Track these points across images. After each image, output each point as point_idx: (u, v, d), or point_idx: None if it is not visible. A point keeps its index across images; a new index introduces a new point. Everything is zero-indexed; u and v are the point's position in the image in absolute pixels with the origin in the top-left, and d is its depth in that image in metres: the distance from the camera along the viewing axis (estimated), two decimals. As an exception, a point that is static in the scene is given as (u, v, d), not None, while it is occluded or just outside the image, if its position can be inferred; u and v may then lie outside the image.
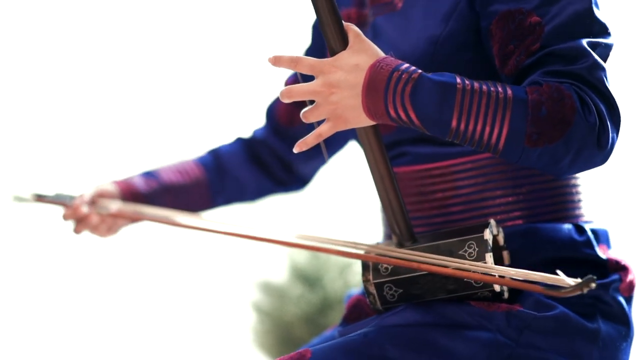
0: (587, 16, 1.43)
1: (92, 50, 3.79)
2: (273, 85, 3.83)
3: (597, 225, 1.57)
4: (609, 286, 1.51)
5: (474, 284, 1.43)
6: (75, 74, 3.79)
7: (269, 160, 1.90)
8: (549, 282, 1.34)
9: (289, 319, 3.62)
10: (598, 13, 1.44)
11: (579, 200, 1.57)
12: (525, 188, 1.54)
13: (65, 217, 1.81)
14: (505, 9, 1.45)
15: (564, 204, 1.56)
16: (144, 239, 3.62)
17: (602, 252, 1.53)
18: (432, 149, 1.56)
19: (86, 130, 3.80)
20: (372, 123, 1.41)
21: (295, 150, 1.41)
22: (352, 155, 1.91)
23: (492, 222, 1.46)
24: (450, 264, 1.41)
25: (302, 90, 1.40)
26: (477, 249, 1.42)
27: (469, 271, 1.40)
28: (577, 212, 1.57)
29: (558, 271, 1.33)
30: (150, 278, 3.85)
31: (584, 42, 1.41)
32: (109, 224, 1.82)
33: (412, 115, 1.38)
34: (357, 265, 3.73)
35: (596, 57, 1.40)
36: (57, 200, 1.83)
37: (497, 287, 1.43)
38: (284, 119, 1.87)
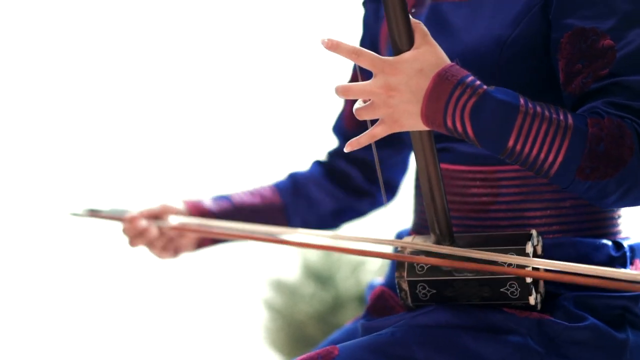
0: None
1: (92, 51, 3.78)
2: (272, 86, 3.83)
3: (633, 240, 1.57)
4: (638, 297, 1.51)
5: (510, 295, 1.43)
6: (75, 74, 3.78)
7: (348, 172, 1.87)
8: (629, 279, 1.33)
9: (301, 317, 3.61)
10: None
11: (619, 217, 1.58)
12: (568, 202, 1.54)
13: (125, 231, 1.77)
14: (580, 26, 1.44)
15: (604, 220, 1.56)
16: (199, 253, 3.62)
17: (633, 269, 1.54)
18: (477, 149, 1.54)
19: (89, 132, 3.80)
20: (426, 129, 1.39)
21: (347, 149, 1.40)
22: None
23: (534, 232, 1.46)
24: (501, 260, 1.40)
25: (359, 89, 1.38)
26: (517, 256, 1.41)
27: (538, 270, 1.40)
28: (616, 228, 1.57)
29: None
30: (162, 275, 3.84)
31: None
32: (168, 242, 1.78)
33: (469, 130, 1.36)
34: (370, 263, 3.73)
35: None
36: (112, 215, 1.79)
37: (532, 301, 1.43)
38: (354, 126, 1.83)
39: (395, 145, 1.83)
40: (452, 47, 1.45)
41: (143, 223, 1.75)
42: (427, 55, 1.36)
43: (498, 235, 1.47)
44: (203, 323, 3.88)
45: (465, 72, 1.37)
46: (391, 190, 1.90)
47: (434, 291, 1.46)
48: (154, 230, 1.75)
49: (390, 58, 1.37)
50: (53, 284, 3.73)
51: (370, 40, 1.77)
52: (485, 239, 1.46)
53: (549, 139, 1.36)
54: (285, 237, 1.65)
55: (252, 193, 1.85)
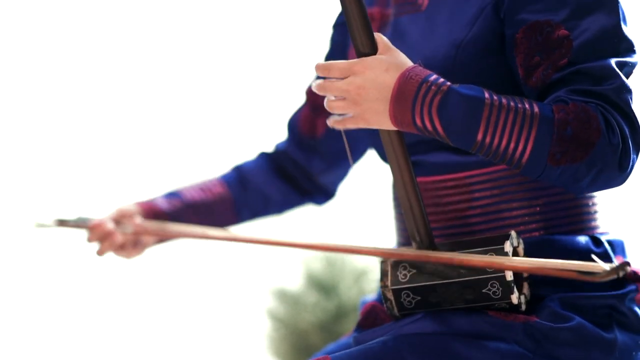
0: (615, 33, 1.43)
1: (92, 52, 3.79)
2: (273, 86, 3.84)
3: (613, 236, 1.58)
4: (625, 297, 1.51)
5: (492, 295, 1.44)
6: (75, 75, 3.79)
7: (293, 172, 1.91)
8: (584, 270, 1.34)
9: (304, 326, 3.62)
10: (625, 29, 1.44)
11: (595, 212, 1.58)
12: (542, 200, 1.54)
13: (90, 239, 1.81)
14: (534, 20, 1.46)
15: (580, 215, 1.56)
16: (159, 246, 3.63)
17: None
18: (446, 158, 1.56)
19: (88, 134, 3.81)
20: (393, 128, 1.42)
21: (330, 123, 1.45)
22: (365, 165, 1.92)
23: (513, 233, 1.46)
24: (482, 257, 1.42)
25: (332, 87, 1.43)
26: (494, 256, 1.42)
27: (504, 263, 1.42)
28: (593, 223, 1.57)
29: (593, 256, 1.35)
30: (165, 285, 3.85)
31: (612, 61, 1.41)
32: (133, 244, 1.83)
33: (438, 127, 1.39)
34: (373, 273, 3.73)
35: (623, 78, 1.41)
36: (79, 223, 1.83)
37: (514, 299, 1.44)
38: (306, 130, 1.88)
39: (335, 164, 1.88)
40: (412, 58, 1.47)
41: (107, 229, 1.79)
42: (391, 58, 1.41)
43: (478, 239, 1.47)
44: (207, 332, 3.89)
45: (428, 71, 1.40)
46: (327, 194, 1.93)
47: (419, 298, 1.47)
48: (118, 236, 1.80)
49: (358, 59, 1.41)
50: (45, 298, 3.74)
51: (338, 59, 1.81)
52: (466, 244, 1.47)
53: (517, 129, 1.38)
54: (240, 235, 1.72)
55: (201, 188, 1.88)
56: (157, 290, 3.84)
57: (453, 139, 1.40)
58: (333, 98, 1.44)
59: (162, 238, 1.85)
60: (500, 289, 1.43)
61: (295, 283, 3.77)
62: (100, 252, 1.82)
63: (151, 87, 3.85)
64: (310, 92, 1.87)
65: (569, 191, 1.47)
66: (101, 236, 1.80)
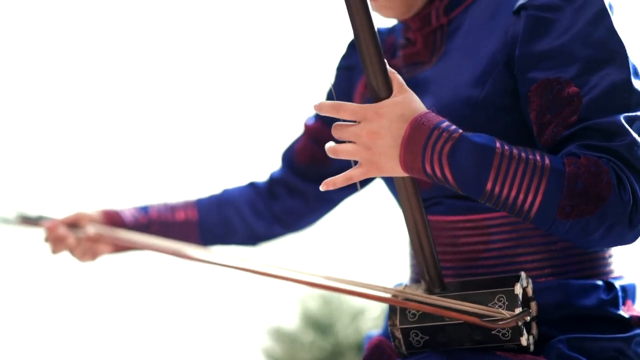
0: (626, 88, 1.44)
1: (92, 53, 3.79)
2: (273, 87, 3.83)
3: (626, 280, 1.58)
4: (631, 340, 1.51)
5: (502, 337, 1.43)
6: (75, 76, 3.79)
7: (284, 199, 1.92)
8: (486, 313, 1.37)
9: (301, 365, 3.61)
10: (637, 83, 1.45)
11: (610, 256, 1.58)
12: (559, 245, 1.55)
13: (46, 239, 1.89)
14: (544, 77, 1.46)
15: (595, 261, 1.56)
16: (155, 280, 3.62)
17: (625, 310, 1.54)
18: (466, 202, 1.56)
19: (85, 135, 3.80)
20: (405, 175, 1.41)
21: (322, 188, 1.42)
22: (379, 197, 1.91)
23: (523, 274, 1.46)
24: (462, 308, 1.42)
25: (343, 132, 1.40)
26: (506, 303, 1.42)
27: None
28: (607, 268, 1.57)
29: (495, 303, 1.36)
30: (161, 322, 3.83)
31: (622, 118, 1.41)
32: (87, 248, 1.88)
33: (448, 174, 1.38)
34: (369, 311, 3.72)
35: (634, 134, 1.41)
36: (38, 222, 1.92)
37: (524, 342, 1.43)
38: (303, 158, 1.89)
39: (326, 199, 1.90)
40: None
41: (61, 231, 1.86)
42: (407, 101, 1.39)
43: (488, 279, 1.47)
44: (203, 372, 3.87)
45: (440, 118, 1.40)
46: (307, 223, 1.96)
47: (427, 337, 1.47)
48: (71, 239, 1.86)
49: (372, 104, 1.39)
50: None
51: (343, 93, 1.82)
52: (476, 284, 1.46)
53: (527, 180, 1.37)
54: (192, 253, 1.73)
55: (172, 207, 1.92)
56: (154, 327, 3.82)
57: (462, 187, 1.39)
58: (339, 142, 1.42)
59: (118, 248, 1.90)
60: (510, 330, 1.42)
61: (292, 322, 3.76)
62: (53, 252, 1.89)
63: (150, 90, 3.85)
64: (309, 124, 1.88)
65: (579, 246, 1.45)
66: (54, 238, 1.88)
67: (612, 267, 1.58)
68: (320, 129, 1.88)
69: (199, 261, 1.70)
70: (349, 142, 1.41)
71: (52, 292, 3.74)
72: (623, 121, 1.41)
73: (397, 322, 1.48)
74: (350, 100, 1.78)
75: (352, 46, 1.84)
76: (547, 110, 1.45)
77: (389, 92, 1.40)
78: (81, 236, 1.87)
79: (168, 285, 3.81)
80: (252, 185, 1.96)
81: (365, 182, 1.85)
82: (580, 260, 1.55)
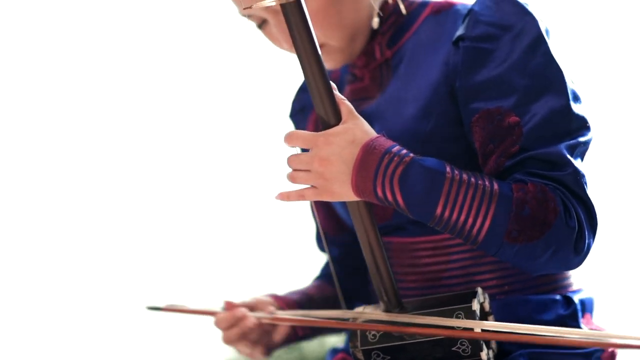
0: (565, 114, 1.45)
1: (92, 54, 3.77)
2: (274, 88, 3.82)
3: (585, 294, 1.59)
4: (590, 356, 1.53)
5: (462, 353, 1.44)
6: (75, 76, 3.77)
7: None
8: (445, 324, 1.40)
9: (265, 378, 3.60)
10: (577, 108, 1.46)
11: (570, 276, 1.60)
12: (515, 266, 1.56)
13: (219, 321, 1.68)
14: (484, 108, 1.47)
15: (554, 275, 1.58)
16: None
17: (585, 324, 1.56)
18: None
19: (86, 134, 3.78)
20: (356, 199, 1.42)
21: (277, 197, 1.44)
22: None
23: (479, 290, 1.47)
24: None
25: (295, 161, 1.43)
26: (465, 319, 1.43)
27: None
28: (566, 282, 1.59)
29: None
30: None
31: (564, 147, 1.43)
32: (262, 335, 1.70)
33: (399, 198, 1.39)
34: (334, 326, 3.73)
35: (576, 163, 1.43)
36: (202, 310, 1.70)
37: (484, 356, 1.44)
38: (328, 228, 1.82)
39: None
40: None
41: (242, 311, 1.67)
42: (356, 128, 1.40)
43: (445, 296, 1.48)
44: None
45: (392, 142, 1.41)
46: None
47: (389, 357, 1.47)
48: (251, 320, 1.66)
49: (322, 132, 1.40)
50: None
51: None
52: (433, 301, 1.48)
53: (475, 205, 1.39)
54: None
55: (314, 286, 1.82)
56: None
57: (412, 211, 1.40)
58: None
59: (298, 334, 1.75)
60: (470, 346, 1.44)
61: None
62: (226, 338, 1.69)
63: (149, 90, 3.83)
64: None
65: (525, 270, 1.46)
66: (233, 320, 1.67)
67: (571, 280, 1.59)
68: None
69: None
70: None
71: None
72: (564, 151, 1.43)
73: (358, 344, 1.48)
74: (305, 120, 1.79)
75: (301, 90, 1.85)
76: (489, 140, 1.47)
77: (338, 119, 1.41)
78: (262, 317, 1.65)
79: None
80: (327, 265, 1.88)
81: None
82: (539, 275, 1.56)
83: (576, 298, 1.57)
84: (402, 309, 1.48)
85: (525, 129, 1.44)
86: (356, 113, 1.42)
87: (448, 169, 1.40)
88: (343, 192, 1.41)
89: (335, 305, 1.72)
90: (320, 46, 1.55)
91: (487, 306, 1.49)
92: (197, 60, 3.84)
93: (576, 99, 1.47)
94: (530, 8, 1.51)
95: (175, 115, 3.86)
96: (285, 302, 1.75)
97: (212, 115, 3.88)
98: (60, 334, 3.58)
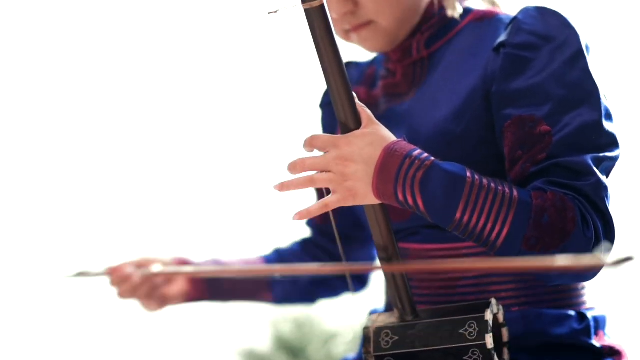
0: (596, 129, 1.46)
1: (91, 55, 3.79)
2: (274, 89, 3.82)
3: (598, 312, 1.60)
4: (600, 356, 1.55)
5: None
6: (74, 77, 3.78)
7: (322, 259, 1.93)
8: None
9: (273, 388, 3.61)
10: (608, 125, 1.47)
11: (583, 288, 1.61)
12: (533, 274, 1.56)
13: (111, 282, 1.85)
14: (517, 115, 1.48)
15: (568, 292, 1.59)
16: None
17: (597, 340, 1.57)
18: (443, 231, 1.58)
19: (86, 134, 3.79)
20: (377, 202, 1.43)
21: (295, 218, 1.44)
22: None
23: (493, 301, 1.48)
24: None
25: (315, 162, 1.43)
26: (477, 329, 1.44)
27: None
28: (580, 299, 1.60)
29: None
30: (136, 343, 3.82)
31: (590, 158, 1.44)
32: (154, 289, 1.86)
33: (419, 202, 1.40)
34: (342, 336, 3.73)
35: (600, 175, 1.43)
36: (100, 272, 1.86)
37: None
38: (319, 218, 1.89)
39: (361, 241, 1.89)
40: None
41: (127, 270, 1.82)
42: (376, 132, 1.42)
43: (459, 306, 1.49)
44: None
45: (412, 146, 1.42)
46: (361, 282, 1.97)
47: (401, 364, 1.49)
48: (136, 277, 1.82)
49: (342, 135, 1.42)
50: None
51: None
52: (448, 311, 1.48)
53: (495, 210, 1.40)
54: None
55: (243, 261, 1.91)
56: (128, 347, 3.81)
57: (432, 215, 1.41)
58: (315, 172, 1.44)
59: (190, 296, 1.89)
60: (481, 356, 1.44)
61: (264, 344, 3.76)
62: (120, 295, 1.85)
63: (149, 90, 3.85)
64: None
65: (539, 280, 1.47)
66: (120, 279, 1.83)
67: (584, 298, 1.60)
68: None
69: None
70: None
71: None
72: (590, 162, 1.44)
73: (372, 349, 1.49)
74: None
75: None
76: (519, 147, 1.48)
77: (357, 124, 1.42)
78: (146, 274, 1.83)
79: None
80: (304, 242, 1.97)
81: (360, 287, 1.93)
82: (554, 290, 1.57)
83: (589, 315, 1.57)
84: (416, 317, 1.48)
85: (555, 139, 1.45)
86: (376, 120, 1.43)
87: (468, 173, 1.41)
88: (365, 194, 1.41)
89: (254, 284, 1.89)
90: (368, 23, 1.61)
91: (501, 317, 1.49)
92: (197, 60, 3.85)
93: (608, 116, 1.49)
94: (573, 22, 1.52)
95: (175, 115, 3.86)
96: (184, 262, 1.87)
97: (212, 115, 3.88)
98: (50, 334, 3.60)
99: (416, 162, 1.40)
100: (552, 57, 1.49)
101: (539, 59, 1.50)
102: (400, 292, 1.48)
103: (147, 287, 1.85)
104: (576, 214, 1.40)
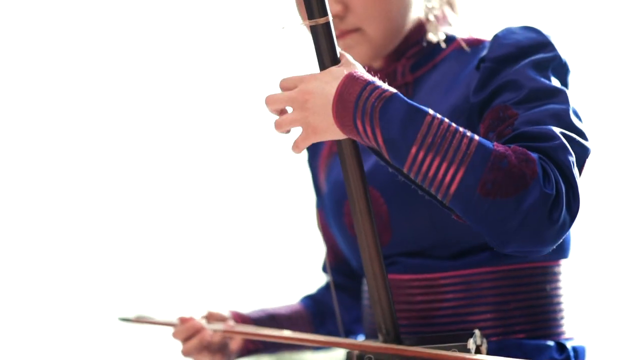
0: (564, 116, 1.45)
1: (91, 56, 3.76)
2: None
3: (577, 342, 1.61)
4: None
5: None
6: (75, 76, 3.75)
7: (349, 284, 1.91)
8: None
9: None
10: (576, 120, 1.45)
11: (562, 318, 1.61)
12: (512, 305, 1.57)
13: (177, 333, 1.76)
14: (492, 107, 1.49)
15: (548, 322, 1.59)
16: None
17: None
18: (422, 261, 1.59)
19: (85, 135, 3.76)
20: (343, 136, 1.40)
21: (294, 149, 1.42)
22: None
23: (477, 332, 1.49)
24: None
25: (279, 98, 1.42)
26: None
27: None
28: (559, 329, 1.60)
29: None
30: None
31: (555, 129, 1.41)
32: (220, 349, 1.77)
33: (377, 132, 1.36)
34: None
35: (565, 141, 1.39)
36: (162, 321, 1.79)
37: None
38: (331, 260, 1.89)
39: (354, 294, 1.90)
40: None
41: (198, 323, 1.75)
42: (347, 67, 1.40)
43: (442, 335, 1.50)
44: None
45: (375, 77, 1.40)
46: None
47: (384, 382, 1.49)
48: (208, 332, 1.74)
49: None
50: None
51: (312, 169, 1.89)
52: (430, 339, 1.49)
53: (452, 149, 1.35)
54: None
55: (284, 306, 1.89)
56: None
57: (389, 149, 1.36)
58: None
59: (249, 348, 1.82)
60: None
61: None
62: (185, 351, 1.76)
63: (149, 91, 3.82)
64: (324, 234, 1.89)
65: (495, 241, 1.38)
66: (190, 331, 1.75)
67: (564, 328, 1.61)
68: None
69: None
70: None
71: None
72: (555, 130, 1.41)
73: (355, 372, 1.50)
74: (316, 168, 1.86)
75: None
76: (489, 133, 1.47)
77: (335, 63, 1.41)
78: (217, 330, 1.73)
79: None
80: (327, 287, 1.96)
81: None
82: (533, 320, 1.58)
83: (569, 345, 1.59)
84: (400, 344, 1.48)
85: (520, 117, 1.44)
86: (355, 62, 1.42)
87: (431, 111, 1.37)
88: (326, 127, 1.39)
89: (303, 329, 1.84)
90: (355, 30, 1.61)
91: (484, 350, 1.50)
92: (197, 60, 3.84)
93: (577, 115, 1.47)
94: (554, 39, 1.54)
95: (174, 116, 3.85)
96: (241, 318, 1.81)
97: (211, 116, 3.88)
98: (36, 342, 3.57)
99: (377, 90, 1.37)
100: (527, 60, 1.51)
101: (516, 65, 1.51)
102: (385, 316, 1.48)
103: (215, 345, 1.76)
104: (537, 166, 1.35)
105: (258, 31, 3.67)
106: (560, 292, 1.61)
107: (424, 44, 1.66)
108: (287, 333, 1.68)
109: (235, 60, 3.85)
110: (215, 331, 1.73)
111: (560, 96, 1.47)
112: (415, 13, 1.65)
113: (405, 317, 1.60)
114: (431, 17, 1.66)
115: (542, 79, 1.49)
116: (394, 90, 1.38)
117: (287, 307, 1.89)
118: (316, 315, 1.90)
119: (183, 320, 1.75)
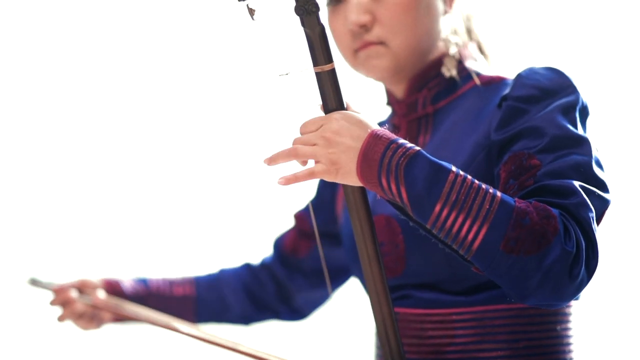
0: (586, 168, 1.45)
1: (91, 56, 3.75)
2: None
3: None
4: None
5: None
6: (75, 76, 3.74)
7: (266, 285, 1.97)
8: None
9: None
10: (598, 170, 1.47)
11: (570, 351, 1.61)
12: (522, 343, 1.57)
13: (52, 303, 1.91)
14: (512, 153, 1.49)
15: (555, 353, 1.58)
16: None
17: None
18: (434, 295, 1.59)
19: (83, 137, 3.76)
20: (359, 184, 1.42)
21: (280, 181, 1.42)
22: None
23: None
24: None
25: (307, 137, 1.42)
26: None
27: None
28: None
29: None
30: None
31: (576, 183, 1.42)
32: (91, 316, 1.91)
33: (402, 189, 1.37)
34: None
35: (585, 197, 1.40)
36: (47, 286, 1.93)
37: None
38: (289, 249, 1.93)
39: (316, 284, 1.94)
40: None
41: (71, 294, 1.90)
42: (362, 116, 1.42)
43: None
44: None
45: (397, 135, 1.41)
46: (300, 315, 2.00)
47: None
48: (79, 304, 1.90)
49: (333, 112, 1.42)
50: None
51: (326, 198, 1.90)
52: None
53: (475, 207, 1.36)
54: (185, 329, 1.77)
55: (170, 282, 1.97)
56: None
57: (413, 205, 1.38)
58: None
59: (119, 317, 1.92)
60: None
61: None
62: (60, 317, 1.91)
63: (148, 92, 3.81)
64: (298, 217, 1.91)
65: (517, 295, 1.39)
66: (63, 301, 1.90)
67: None
68: (306, 219, 1.92)
69: (189, 336, 1.75)
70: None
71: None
72: (576, 185, 1.41)
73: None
74: (333, 206, 1.87)
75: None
76: (510, 179, 1.47)
77: (342, 107, 1.43)
78: (86, 302, 1.89)
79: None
80: (248, 267, 2.00)
81: (337, 284, 1.93)
82: (544, 359, 1.57)
83: None
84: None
85: (543, 169, 1.44)
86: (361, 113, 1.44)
87: (454, 168, 1.39)
88: (349, 170, 1.40)
89: (182, 314, 1.94)
90: (379, 43, 1.62)
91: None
92: (197, 60, 3.83)
93: (599, 164, 1.49)
94: (576, 81, 1.55)
95: (174, 116, 3.84)
96: (114, 290, 1.94)
97: (211, 116, 3.87)
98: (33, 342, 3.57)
99: (401, 149, 1.38)
100: (549, 104, 1.51)
101: (538, 107, 1.51)
102: (393, 355, 1.48)
103: (87, 314, 1.90)
104: (558, 223, 1.36)
105: (261, 77, 3.67)
106: (570, 332, 1.61)
107: (446, 76, 1.67)
108: (144, 314, 1.83)
109: (241, 107, 3.84)
110: (84, 303, 1.89)
111: (583, 146, 1.47)
112: (442, 42, 1.66)
113: (416, 352, 1.60)
114: (452, 51, 1.66)
115: (567, 125, 1.49)
116: (416, 147, 1.39)
117: (175, 284, 1.97)
118: (202, 299, 1.96)
119: (57, 291, 1.91)
